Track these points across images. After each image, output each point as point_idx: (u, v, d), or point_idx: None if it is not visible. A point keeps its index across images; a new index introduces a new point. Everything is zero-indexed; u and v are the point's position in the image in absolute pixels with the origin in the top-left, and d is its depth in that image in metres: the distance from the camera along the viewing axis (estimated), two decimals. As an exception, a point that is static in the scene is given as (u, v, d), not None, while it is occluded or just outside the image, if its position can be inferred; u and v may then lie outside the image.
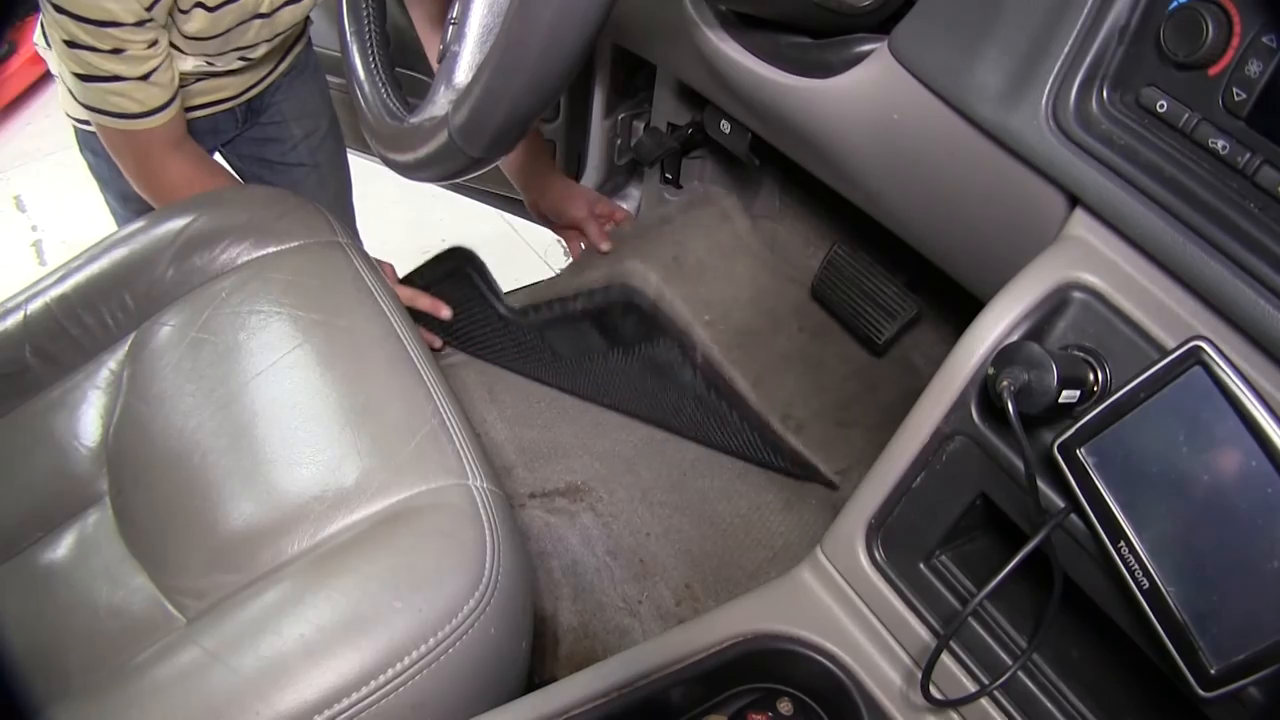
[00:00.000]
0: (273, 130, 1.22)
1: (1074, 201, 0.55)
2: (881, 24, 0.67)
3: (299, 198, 0.95)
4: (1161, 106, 0.49)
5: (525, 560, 0.73)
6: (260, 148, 1.24)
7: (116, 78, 0.88)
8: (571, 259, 1.26)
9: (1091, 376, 0.50)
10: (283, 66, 1.17)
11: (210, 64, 1.00)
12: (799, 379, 1.12)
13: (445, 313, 1.10)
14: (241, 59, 1.03)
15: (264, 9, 0.96)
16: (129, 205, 1.15)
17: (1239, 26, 0.46)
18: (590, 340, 1.09)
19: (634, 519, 1.04)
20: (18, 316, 0.87)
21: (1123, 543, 0.46)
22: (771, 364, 1.11)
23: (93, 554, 0.79)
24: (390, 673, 0.62)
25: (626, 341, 0.99)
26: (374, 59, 0.71)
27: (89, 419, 0.86)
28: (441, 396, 0.79)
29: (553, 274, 1.40)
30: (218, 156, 1.26)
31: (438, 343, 1.15)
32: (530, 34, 0.48)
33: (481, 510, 0.71)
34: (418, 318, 1.06)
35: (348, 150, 1.38)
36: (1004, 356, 0.49)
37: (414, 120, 0.63)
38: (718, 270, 1.20)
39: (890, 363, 1.18)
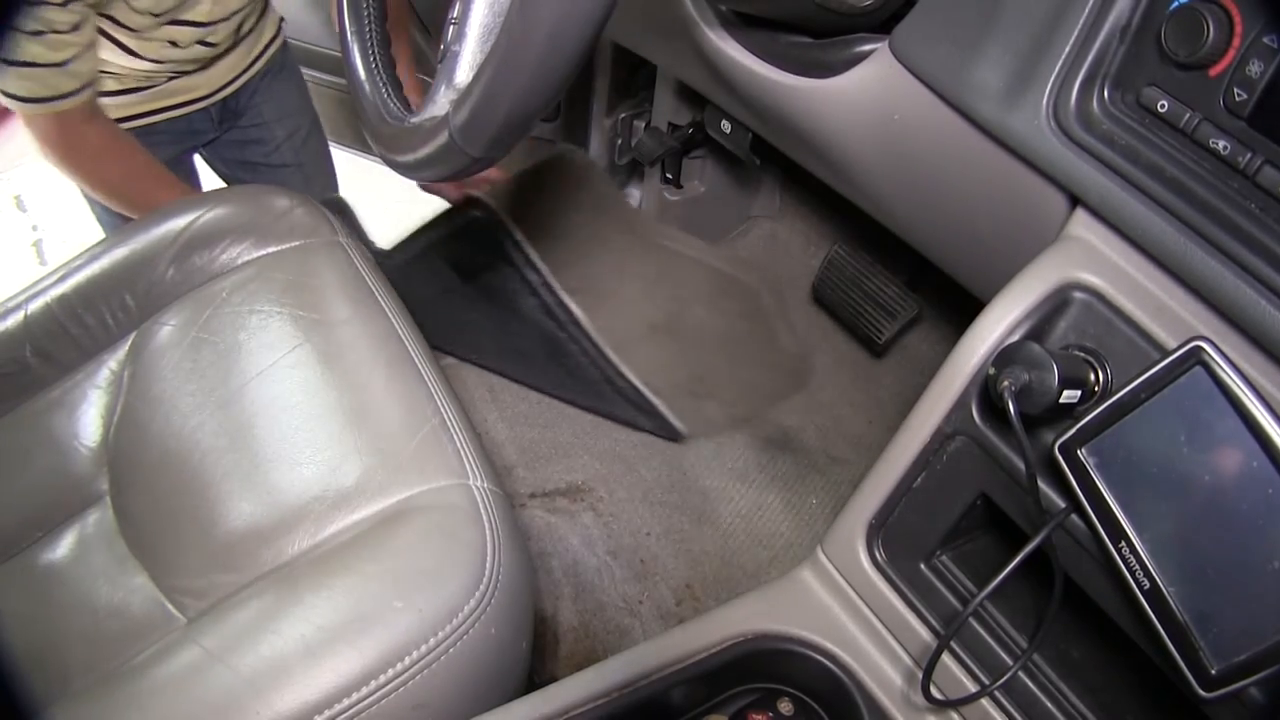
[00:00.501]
0: (255, 132, 1.23)
1: (1075, 201, 0.55)
2: (882, 24, 0.67)
3: (300, 196, 0.95)
4: (1162, 106, 0.49)
5: (526, 560, 0.73)
6: (243, 150, 1.25)
7: (31, 64, 0.87)
8: None
9: (1092, 377, 0.50)
10: (258, 66, 1.17)
11: (174, 45, 0.99)
12: (661, 348, 1.13)
13: None
14: (202, 43, 1.02)
15: None
16: (116, 211, 1.16)
17: (1240, 26, 0.46)
18: (444, 278, 1.09)
19: (634, 519, 1.04)
20: (18, 316, 0.87)
21: (1123, 543, 0.46)
22: (636, 332, 1.12)
23: (93, 554, 0.79)
24: (391, 673, 0.62)
25: (473, 272, 1.01)
26: (374, 59, 0.71)
27: (89, 419, 0.86)
28: (442, 396, 0.79)
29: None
30: (199, 161, 1.26)
31: None
32: (531, 34, 0.48)
33: (482, 510, 0.71)
34: None
35: (342, 148, 1.38)
36: (1005, 356, 0.49)
37: (415, 120, 0.63)
38: (585, 233, 1.19)
39: (755, 339, 1.19)
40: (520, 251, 0.98)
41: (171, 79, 1.07)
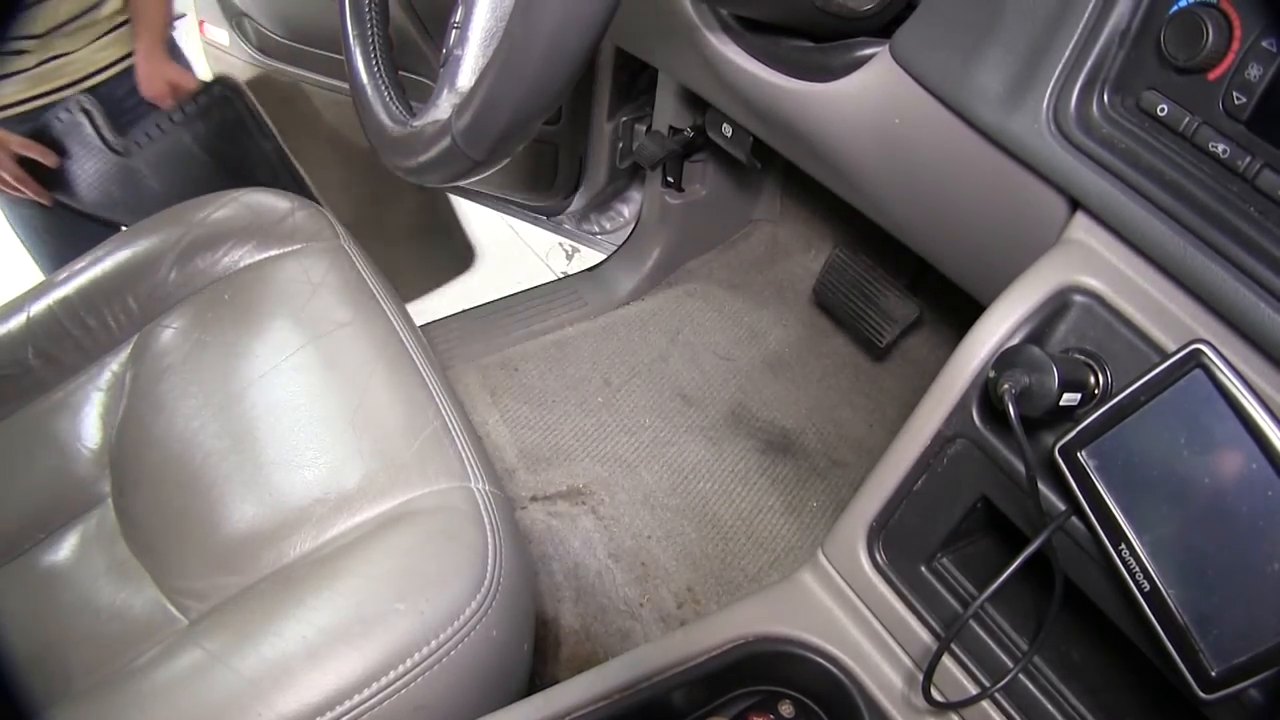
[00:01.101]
0: None
1: (1075, 205, 0.55)
2: (883, 28, 0.67)
3: (302, 200, 0.95)
4: (1162, 110, 0.50)
5: (527, 563, 0.73)
6: None
7: None
8: None
9: (1092, 379, 0.50)
10: (129, 62, 1.17)
11: None
12: (405, 252, 1.35)
13: (52, 160, 1.13)
14: None
15: None
16: (46, 238, 1.19)
17: (1239, 30, 0.46)
18: (195, 161, 1.15)
19: (635, 522, 1.05)
20: (20, 318, 0.87)
21: (1124, 545, 0.47)
22: (383, 236, 1.28)
23: (95, 555, 0.79)
24: (392, 675, 0.62)
25: (215, 149, 1.07)
26: (377, 62, 0.71)
27: (91, 421, 0.86)
28: (443, 399, 0.79)
29: (554, 276, 1.41)
30: None
31: (47, 199, 1.17)
32: (533, 38, 0.48)
33: (483, 512, 0.71)
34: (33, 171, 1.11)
35: None
36: (1005, 359, 0.49)
37: (417, 124, 0.63)
38: (340, 147, 1.33)
39: (435, 230, 1.50)
40: (256, 121, 1.08)
41: (42, 64, 1.08)
